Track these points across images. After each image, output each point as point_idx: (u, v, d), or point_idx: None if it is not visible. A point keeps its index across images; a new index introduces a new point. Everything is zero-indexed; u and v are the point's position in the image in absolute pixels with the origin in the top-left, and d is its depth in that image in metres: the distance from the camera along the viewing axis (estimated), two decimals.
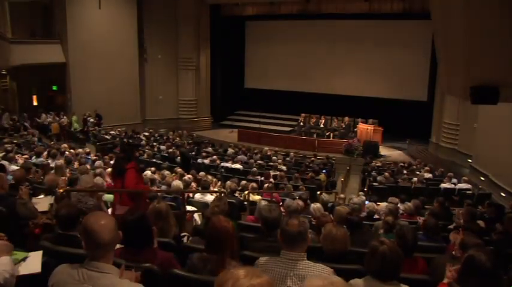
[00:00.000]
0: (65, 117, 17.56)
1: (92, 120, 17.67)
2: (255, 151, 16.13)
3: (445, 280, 2.71)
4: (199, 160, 12.98)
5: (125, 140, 14.10)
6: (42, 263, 2.66)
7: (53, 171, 7.32)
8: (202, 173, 10.00)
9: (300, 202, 6.27)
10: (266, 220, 3.45)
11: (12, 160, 8.22)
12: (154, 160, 12.35)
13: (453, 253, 3.40)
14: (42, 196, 4.95)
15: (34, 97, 19.45)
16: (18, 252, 2.91)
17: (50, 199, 4.68)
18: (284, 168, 12.70)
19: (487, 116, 12.52)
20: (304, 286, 1.57)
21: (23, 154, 9.90)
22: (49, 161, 9.15)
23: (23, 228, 3.61)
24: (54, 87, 19.54)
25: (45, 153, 9.77)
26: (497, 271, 2.29)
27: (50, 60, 17.69)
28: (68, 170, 7.91)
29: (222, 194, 6.65)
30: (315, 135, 19.60)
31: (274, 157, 14.39)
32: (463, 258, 2.49)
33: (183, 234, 3.91)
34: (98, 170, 7.49)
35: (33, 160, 9.22)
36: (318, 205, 5.61)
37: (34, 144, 12.42)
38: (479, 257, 2.28)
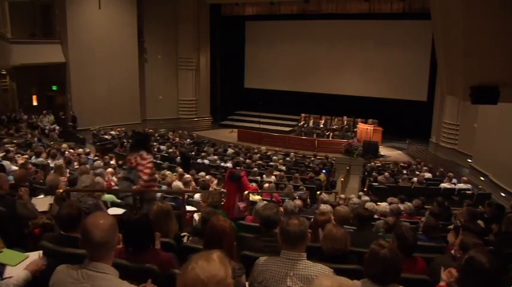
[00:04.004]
0: (47, 117, 17.55)
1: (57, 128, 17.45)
2: (255, 151, 16.15)
3: (442, 283, 2.71)
4: (199, 160, 12.99)
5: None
6: None
7: (52, 171, 7.32)
8: (202, 173, 10.01)
9: (299, 202, 6.27)
10: (261, 219, 3.47)
11: (12, 160, 8.21)
12: (154, 160, 12.33)
13: (452, 252, 3.40)
14: (41, 196, 4.94)
15: (34, 97, 19.45)
16: (18, 253, 2.92)
17: (50, 199, 4.67)
18: (284, 168, 12.70)
19: (487, 116, 12.52)
20: (313, 285, 1.58)
21: (22, 154, 9.89)
22: (49, 161, 9.15)
23: (23, 228, 3.60)
24: (54, 88, 19.52)
25: (45, 153, 9.77)
26: (497, 271, 2.28)
27: (50, 60, 17.69)
28: (67, 170, 7.91)
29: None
30: (314, 135, 19.62)
31: (274, 157, 14.39)
32: (462, 258, 2.49)
33: (183, 234, 3.92)
34: (99, 170, 7.49)
35: (33, 160, 9.21)
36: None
37: (34, 143, 12.41)
38: (478, 258, 2.27)
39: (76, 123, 18.07)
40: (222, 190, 8.19)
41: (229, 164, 12.46)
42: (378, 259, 2.30)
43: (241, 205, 6.53)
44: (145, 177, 4.75)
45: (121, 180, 5.46)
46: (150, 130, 19.14)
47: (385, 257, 2.29)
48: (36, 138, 13.92)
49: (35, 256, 2.80)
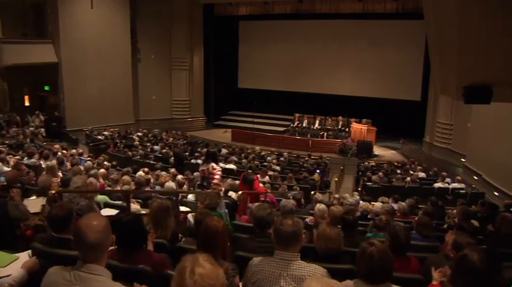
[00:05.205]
0: (41, 117, 17.41)
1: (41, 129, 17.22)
2: (248, 151, 16.14)
3: (434, 282, 2.71)
4: (192, 161, 12.93)
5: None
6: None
7: (44, 172, 7.25)
8: (196, 174, 9.97)
9: (293, 202, 6.25)
10: (255, 219, 3.46)
11: (3, 161, 8.13)
12: (147, 161, 12.29)
13: (446, 251, 3.41)
14: (34, 197, 4.90)
15: (26, 97, 19.27)
16: (8, 254, 2.89)
17: (42, 200, 4.63)
18: (278, 168, 12.69)
19: (481, 115, 12.59)
20: None
21: (14, 155, 9.79)
22: (41, 162, 9.07)
23: (15, 230, 3.57)
24: (47, 88, 19.35)
25: (37, 154, 9.69)
26: (490, 270, 2.27)
27: (42, 60, 17.54)
28: (59, 172, 7.83)
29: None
30: (308, 135, 19.64)
31: (268, 157, 14.38)
32: (455, 258, 2.49)
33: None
34: (92, 171, 7.44)
35: (25, 160, 9.13)
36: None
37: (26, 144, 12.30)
38: (471, 257, 2.26)
39: (61, 123, 17.85)
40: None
41: (222, 164, 12.41)
42: (365, 257, 2.28)
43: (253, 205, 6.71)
44: (215, 181, 6.87)
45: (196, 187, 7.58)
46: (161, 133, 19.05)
47: (371, 255, 2.26)
48: (28, 139, 13.80)
49: (24, 256, 2.77)
